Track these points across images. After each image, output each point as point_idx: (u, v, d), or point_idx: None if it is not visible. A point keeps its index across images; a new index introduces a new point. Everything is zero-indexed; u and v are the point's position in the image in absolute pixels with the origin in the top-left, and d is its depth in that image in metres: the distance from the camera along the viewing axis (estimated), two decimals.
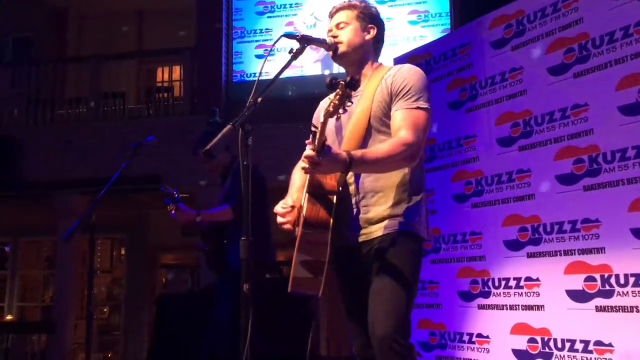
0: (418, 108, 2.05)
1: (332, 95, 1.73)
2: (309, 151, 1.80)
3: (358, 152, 1.91)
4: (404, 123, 2.02)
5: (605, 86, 2.79)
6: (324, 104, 2.29)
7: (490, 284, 3.24)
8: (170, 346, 5.37)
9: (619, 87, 2.72)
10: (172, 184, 3.83)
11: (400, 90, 2.08)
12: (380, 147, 2.00)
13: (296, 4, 8.30)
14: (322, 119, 1.81)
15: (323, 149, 1.77)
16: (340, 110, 1.75)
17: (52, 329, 8.09)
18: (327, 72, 8.03)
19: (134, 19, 10.53)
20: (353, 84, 1.70)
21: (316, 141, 1.78)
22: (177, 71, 9.68)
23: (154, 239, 10.19)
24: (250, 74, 8.26)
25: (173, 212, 3.46)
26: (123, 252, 10.80)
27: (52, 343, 8.29)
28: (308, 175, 1.98)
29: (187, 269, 10.15)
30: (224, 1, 8.39)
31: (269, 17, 8.35)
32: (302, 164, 1.96)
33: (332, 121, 2.08)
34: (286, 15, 8.30)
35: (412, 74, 2.12)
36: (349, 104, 1.73)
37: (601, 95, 2.80)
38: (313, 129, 1.93)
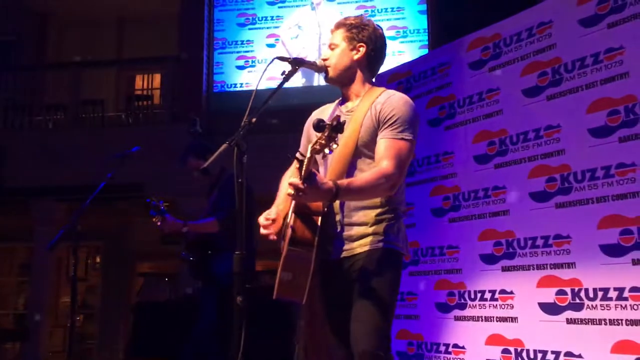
0: (403, 139, 2.09)
1: (319, 134, 1.79)
2: (295, 179, 1.84)
3: (344, 182, 1.96)
4: (386, 153, 2.07)
5: (576, 109, 2.91)
6: (317, 114, 2.34)
7: (466, 296, 3.34)
8: (146, 354, 5.37)
9: (590, 110, 2.86)
10: (152, 191, 3.88)
11: (388, 119, 2.12)
12: (363, 177, 2.05)
13: (277, 16, 8.40)
14: (308, 154, 1.85)
15: (309, 177, 1.82)
16: (326, 150, 1.80)
17: (27, 337, 8.00)
18: (303, 81, 8.10)
19: (115, 25, 10.50)
20: (339, 128, 1.76)
21: (302, 171, 1.83)
22: (156, 79, 9.69)
23: (131, 247, 10.13)
24: (231, 85, 8.33)
25: (159, 223, 3.50)
26: (98, 260, 10.72)
27: (26, 351, 8.19)
28: None
29: (164, 278, 10.10)
30: (205, 12, 8.47)
31: (250, 28, 8.45)
32: (292, 171, 2.00)
33: None
34: (267, 28, 8.40)
35: (401, 104, 2.15)
36: (334, 146, 1.79)
37: (573, 118, 2.93)
38: (299, 156, 2.00)
